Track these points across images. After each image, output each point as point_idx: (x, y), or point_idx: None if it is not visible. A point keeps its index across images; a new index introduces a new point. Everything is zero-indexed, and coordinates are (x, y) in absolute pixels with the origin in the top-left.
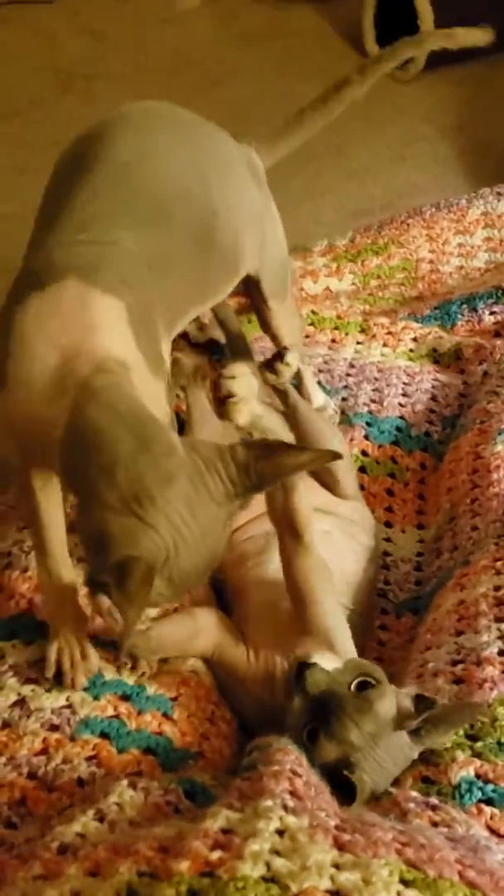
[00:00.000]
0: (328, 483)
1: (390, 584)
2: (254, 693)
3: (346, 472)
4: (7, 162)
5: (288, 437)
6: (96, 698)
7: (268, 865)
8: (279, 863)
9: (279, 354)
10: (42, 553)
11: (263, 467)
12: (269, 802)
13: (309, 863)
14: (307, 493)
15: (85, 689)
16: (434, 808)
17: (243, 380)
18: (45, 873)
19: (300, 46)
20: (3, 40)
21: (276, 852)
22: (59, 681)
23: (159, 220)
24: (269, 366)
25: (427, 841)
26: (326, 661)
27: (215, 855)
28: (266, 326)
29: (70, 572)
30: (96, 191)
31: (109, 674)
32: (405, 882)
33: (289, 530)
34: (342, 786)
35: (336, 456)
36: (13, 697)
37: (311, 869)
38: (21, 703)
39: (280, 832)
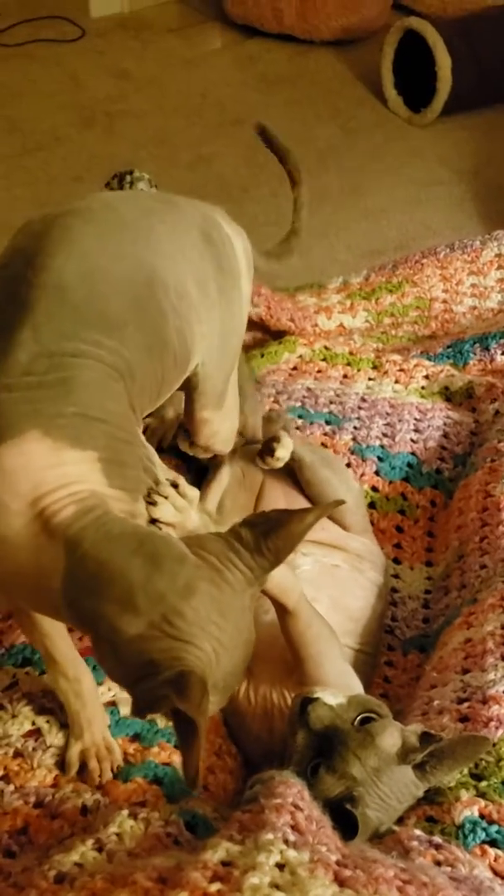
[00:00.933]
0: (338, 519)
1: (397, 621)
2: (253, 730)
3: (356, 508)
4: (28, 194)
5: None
6: None
7: None
8: None
9: (270, 447)
10: (52, 661)
11: (275, 542)
12: (269, 836)
13: None
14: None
15: None
16: (437, 846)
17: (165, 506)
18: None
19: (319, 90)
20: (29, 77)
21: (276, 886)
22: (82, 777)
23: (112, 337)
24: (262, 456)
25: (429, 880)
26: (330, 697)
27: (214, 887)
28: (194, 434)
29: (85, 670)
30: (37, 325)
31: (125, 708)
32: None
33: (273, 601)
34: (345, 821)
35: (339, 503)
36: (27, 726)
37: None
38: (36, 733)
39: (280, 866)
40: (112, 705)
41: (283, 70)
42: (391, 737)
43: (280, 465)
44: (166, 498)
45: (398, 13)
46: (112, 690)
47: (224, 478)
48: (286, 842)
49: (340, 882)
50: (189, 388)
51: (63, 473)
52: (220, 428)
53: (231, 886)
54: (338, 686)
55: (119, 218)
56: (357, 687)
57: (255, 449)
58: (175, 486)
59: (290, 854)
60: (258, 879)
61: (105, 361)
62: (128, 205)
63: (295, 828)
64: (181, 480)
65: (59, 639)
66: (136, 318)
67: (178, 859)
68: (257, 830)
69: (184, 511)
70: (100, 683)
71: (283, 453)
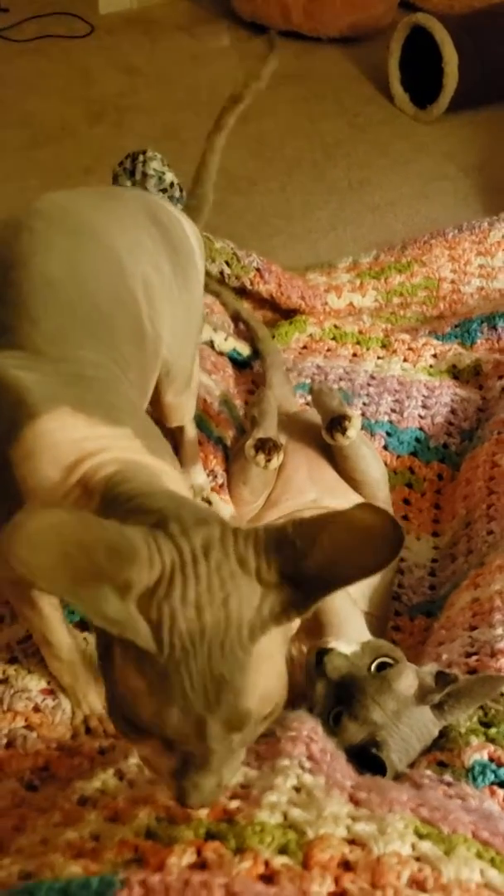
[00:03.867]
0: (368, 493)
1: (404, 588)
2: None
3: (383, 484)
4: (39, 185)
5: None
6: None
7: (285, 815)
8: (296, 812)
9: (342, 425)
10: (46, 643)
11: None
12: (286, 762)
13: (325, 813)
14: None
15: None
16: (448, 784)
17: None
18: (65, 821)
19: (326, 87)
20: (40, 72)
21: (294, 804)
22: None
23: (106, 332)
24: (331, 432)
25: (441, 804)
26: (344, 646)
27: (234, 804)
28: (166, 419)
29: (76, 648)
30: (35, 320)
31: None
32: (419, 835)
33: None
34: (370, 766)
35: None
36: (44, 684)
37: (327, 818)
38: (52, 693)
39: (297, 789)
40: None
41: (290, 67)
42: (407, 679)
43: (348, 443)
44: None
45: (405, 11)
46: None
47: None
48: (302, 768)
49: (356, 802)
50: (159, 375)
51: (105, 442)
52: (189, 407)
53: (250, 804)
54: (348, 623)
55: (76, 217)
56: (363, 627)
57: (286, 419)
58: None
59: (307, 778)
60: (276, 798)
61: (107, 357)
62: (77, 203)
63: (310, 757)
64: None
65: (57, 623)
66: (120, 312)
67: None
68: (273, 758)
69: None
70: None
71: (353, 433)
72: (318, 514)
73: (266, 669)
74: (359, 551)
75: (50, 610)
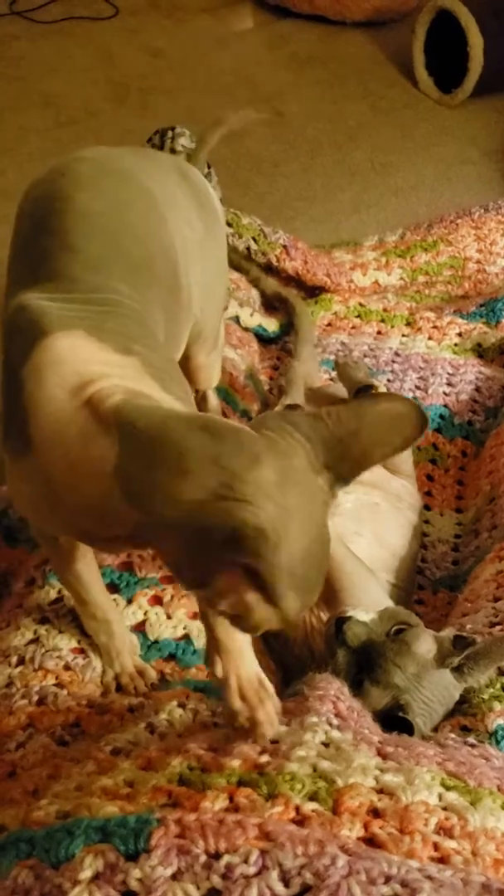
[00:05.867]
0: (392, 465)
1: (427, 563)
2: (295, 653)
3: (408, 455)
4: None
5: None
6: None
7: (314, 767)
8: (325, 764)
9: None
10: (83, 602)
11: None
12: (314, 719)
13: (354, 765)
14: None
15: None
16: (472, 745)
17: None
18: (99, 769)
19: (350, 70)
20: (65, 53)
21: (322, 757)
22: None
23: (143, 266)
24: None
25: (467, 760)
26: (362, 614)
27: (263, 758)
28: (194, 380)
29: (113, 609)
30: (74, 248)
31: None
32: (446, 787)
33: None
34: (396, 730)
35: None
36: (74, 643)
37: (356, 769)
38: (82, 652)
39: (325, 744)
40: (141, 628)
41: (314, 50)
42: (425, 643)
43: None
44: None
45: None
46: (142, 609)
47: None
48: (330, 724)
49: (383, 756)
50: (191, 336)
51: (109, 369)
52: (216, 369)
53: (280, 757)
54: (362, 589)
55: (119, 163)
56: (381, 594)
57: (310, 393)
58: None
59: (335, 734)
60: (305, 752)
61: (141, 295)
62: (119, 153)
63: (337, 714)
64: None
65: (93, 582)
66: (161, 256)
67: (227, 735)
68: (302, 715)
69: None
70: (129, 601)
71: None
72: (352, 404)
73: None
74: (391, 435)
75: (88, 570)
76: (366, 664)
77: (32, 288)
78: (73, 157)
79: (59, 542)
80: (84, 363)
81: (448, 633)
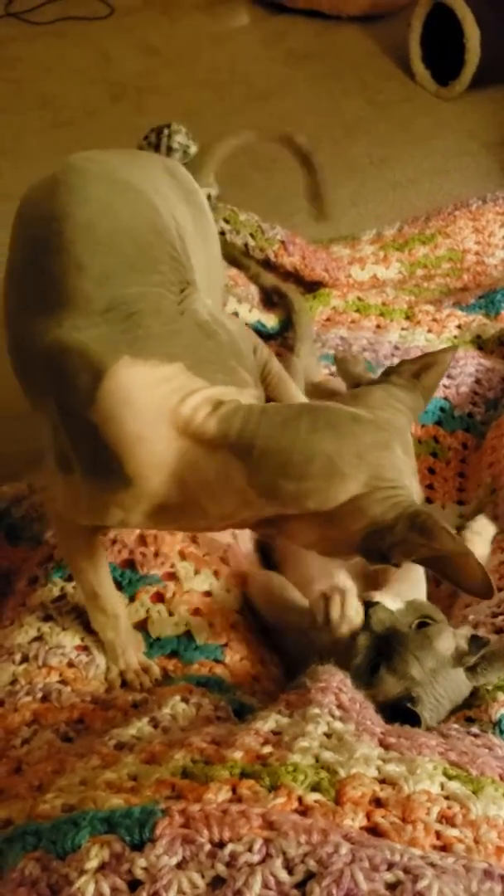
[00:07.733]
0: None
1: None
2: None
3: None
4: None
5: None
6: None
7: (316, 758)
8: (328, 755)
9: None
10: (94, 596)
11: (426, 381)
12: (316, 710)
13: (356, 755)
14: None
15: None
16: (475, 735)
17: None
18: (104, 763)
19: (347, 64)
20: (61, 53)
21: (325, 748)
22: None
23: (144, 258)
24: None
25: (469, 750)
26: (389, 602)
27: (266, 749)
28: None
29: (121, 604)
30: (81, 265)
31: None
32: (448, 776)
33: None
34: (402, 721)
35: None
36: (77, 640)
37: (358, 759)
38: (86, 650)
39: (328, 735)
40: (143, 626)
41: (310, 45)
42: (447, 640)
43: None
44: None
45: None
46: (144, 607)
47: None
48: (332, 715)
49: (385, 746)
50: None
51: (171, 388)
52: None
53: (282, 748)
54: (405, 594)
55: (107, 167)
56: (415, 588)
57: (311, 388)
58: None
59: (337, 725)
60: (307, 743)
61: (150, 283)
62: (106, 157)
63: (340, 706)
64: None
65: (107, 577)
66: (158, 240)
67: (230, 729)
68: (304, 706)
69: None
70: (131, 599)
71: None
72: (411, 362)
73: None
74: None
75: (104, 563)
76: (385, 651)
77: (48, 315)
78: (63, 168)
79: (85, 534)
80: (147, 390)
81: (465, 632)
